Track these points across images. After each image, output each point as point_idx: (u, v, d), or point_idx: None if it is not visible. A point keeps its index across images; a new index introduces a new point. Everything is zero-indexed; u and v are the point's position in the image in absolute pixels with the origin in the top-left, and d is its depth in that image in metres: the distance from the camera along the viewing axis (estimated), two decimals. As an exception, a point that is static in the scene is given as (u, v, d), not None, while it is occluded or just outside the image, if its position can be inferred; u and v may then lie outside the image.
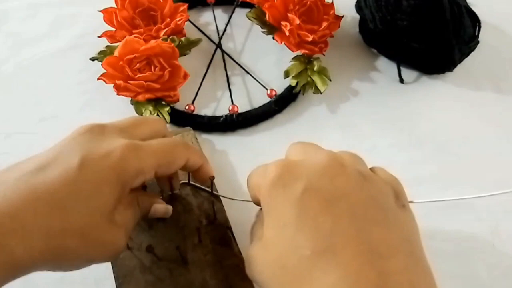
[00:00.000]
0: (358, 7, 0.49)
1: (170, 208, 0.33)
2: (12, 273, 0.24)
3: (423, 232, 0.37)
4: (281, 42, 0.46)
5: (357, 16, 0.50)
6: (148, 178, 0.29)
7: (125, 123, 0.32)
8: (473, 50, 0.46)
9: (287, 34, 0.45)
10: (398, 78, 0.47)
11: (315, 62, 0.46)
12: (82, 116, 0.45)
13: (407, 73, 0.48)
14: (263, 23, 0.48)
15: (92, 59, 0.46)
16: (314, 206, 0.22)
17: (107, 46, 0.46)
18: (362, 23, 0.49)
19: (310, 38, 0.45)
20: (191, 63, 0.46)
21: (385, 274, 0.21)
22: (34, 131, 0.44)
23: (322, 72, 0.45)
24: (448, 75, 0.48)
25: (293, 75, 0.45)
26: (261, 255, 0.24)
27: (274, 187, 0.24)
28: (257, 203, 0.27)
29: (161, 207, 0.33)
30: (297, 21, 0.44)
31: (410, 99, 0.46)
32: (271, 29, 0.47)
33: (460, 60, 0.46)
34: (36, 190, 0.25)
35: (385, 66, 0.48)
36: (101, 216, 0.26)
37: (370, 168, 0.27)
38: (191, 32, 0.49)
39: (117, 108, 0.45)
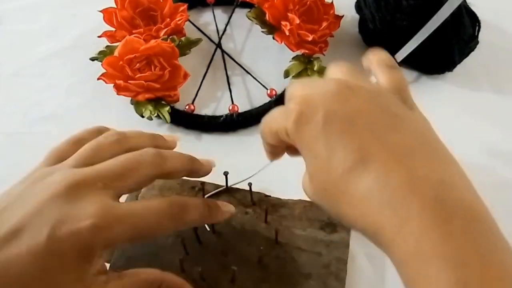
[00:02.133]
0: (358, 7, 0.49)
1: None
2: None
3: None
4: (281, 42, 0.46)
5: (357, 16, 0.50)
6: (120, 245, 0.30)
7: (114, 171, 0.28)
8: (473, 50, 0.46)
9: (287, 33, 0.45)
10: (398, 78, 0.47)
11: (315, 62, 0.46)
12: (82, 116, 0.45)
13: (407, 73, 0.48)
14: (263, 23, 0.48)
15: (92, 59, 0.46)
16: (336, 130, 0.25)
17: (107, 46, 0.46)
18: (362, 23, 0.49)
19: (310, 38, 0.45)
20: (191, 63, 0.46)
21: (411, 168, 0.23)
22: (34, 131, 0.44)
23: (322, 71, 0.45)
24: (448, 75, 0.48)
25: (293, 74, 0.45)
26: (309, 187, 0.27)
27: (299, 125, 0.26)
28: (278, 144, 0.29)
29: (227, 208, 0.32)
30: (297, 21, 0.45)
31: (410, 99, 0.46)
32: (271, 29, 0.47)
33: (460, 60, 0.46)
34: (4, 265, 0.24)
35: (385, 66, 0.48)
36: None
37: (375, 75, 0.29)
38: (191, 32, 0.49)
39: (117, 108, 0.45)
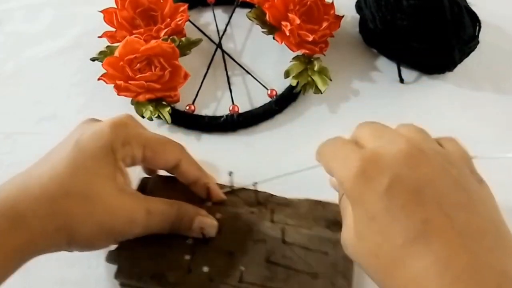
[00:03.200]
0: (358, 7, 0.49)
1: (215, 222, 0.33)
2: (29, 252, 0.28)
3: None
4: (282, 42, 0.46)
5: (357, 16, 0.50)
6: (136, 154, 0.32)
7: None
8: (473, 50, 0.46)
9: (288, 34, 0.45)
10: (398, 78, 0.47)
11: (315, 62, 0.46)
12: (82, 116, 0.45)
13: (407, 73, 0.48)
14: (263, 23, 0.48)
15: (93, 60, 0.46)
16: (401, 197, 0.23)
17: (107, 47, 0.46)
18: (362, 23, 0.49)
19: (310, 38, 0.45)
20: (191, 63, 0.46)
21: (476, 255, 0.21)
22: (34, 131, 0.44)
23: (323, 72, 0.45)
24: (448, 75, 0.48)
25: (294, 75, 0.45)
26: (354, 245, 0.25)
27: (359, 181, 0.24)
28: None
29: (207, 220, 0.33)
30: (298, 21, 0.44)
31: (410, 99, 0.46)
32: (271, 29, 0.47)
33: (460, 60, 0.46)
34: (34, 171, 0.30)
35: (385, 66, 0.48)
36: (102, 179, 0.30)
37: (437, 140, 0.27)
38: (191, 32, 0.49)
39: (117, 108, 0.45)
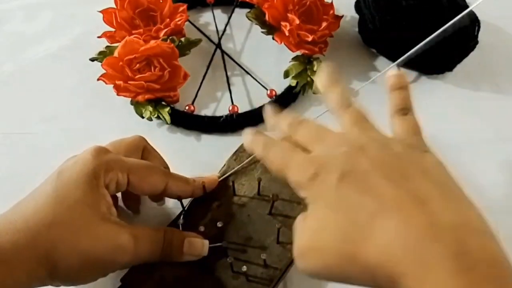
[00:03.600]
0: (358, 7, 0.49)
1: (206, 243, 0.34)
2: None
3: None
4: (281, 42, 0.46)
5: (357, 16, 0.50)
6: (120, 179, 0.32)
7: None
8: (472, 50, 0.46)
9: (287, 34, 0.46)
10: (397, 78, 0.47)
11: (315, 62, 0.46)
12: (82, 116, 0.45)
13: (407, 73, 0.47)
14: (262, 23, 0.48)
15: (92, 60, 0.46)
16: (351, 186, 0.26)
17: (107, 47, 0.46)
18: (362, 23, 0.49)
19: (310, 38, 0.45)
20: (191, 63, 0.46)
21: (430, 213, 0.23)
22: (34, 131, 0.44)
23: None
24: (448, 75, 0.48)
25: (293, 75, 0.46)
26: (315, 245, 0.26)
27: (314, 183, 0.27)
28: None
29: (197, 242, 0.33)
30: (297, 21, 0.45)
31: (409, 99, 0.46)
32: (271, 29, 0.47)
33: (460, 60, 0.46)
34: (18, 207, 0.30)
35: (385, 66, 0.48)
36: (84, 206, 0.29)
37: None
38: (191, 33, 0.49)
39: (117, 109, 0.45)
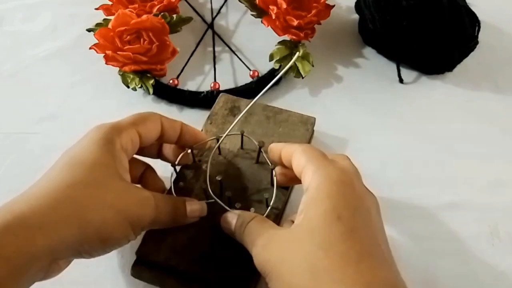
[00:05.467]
0: (358, 7, 0.49)
1: (205, 206, 0.34)
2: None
3: (422, 232, 0.38)
4: (268, 26, 0.46)
5: (357, 17, 0.50)
6: (133, 136, 0.32)
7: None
8: (472, 50, 0.47)
9: (274, 17, 0.46)
10: (397, 78, 0.47)
11: (300, 47, 0.47)
12: (82, 116, 0.45)
13: (407, 73, 0.48)
14: (253, 6, 0.48)
15: (89, 30, 0.47)
16: (333, 214, 0.27)
17: (104, 19, 0.48)
18: (362, 23, 0.50)
19: (295, 23, 0.45)
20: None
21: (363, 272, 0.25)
22: (34, 131, 0.44)
23: (306, 57, 0.46)
24: (448, 75, 0.48)
25: (277, 58, 0.46)
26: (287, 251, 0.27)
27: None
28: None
29: (196, 206, 0.33)
30: (284, 6, 0.45)
31: (409, 99, 0.46)
32: (261, 12, 0.48)
33: (460, 60, 0.47)
34: (35, 183, 0.29)
35: (385, 66, 0.48)
36: (103, 168, 0.29)
37: (333, 157, 0.31)
38: (186, 11, 0.50)
39: (117, 109, 0.45)
